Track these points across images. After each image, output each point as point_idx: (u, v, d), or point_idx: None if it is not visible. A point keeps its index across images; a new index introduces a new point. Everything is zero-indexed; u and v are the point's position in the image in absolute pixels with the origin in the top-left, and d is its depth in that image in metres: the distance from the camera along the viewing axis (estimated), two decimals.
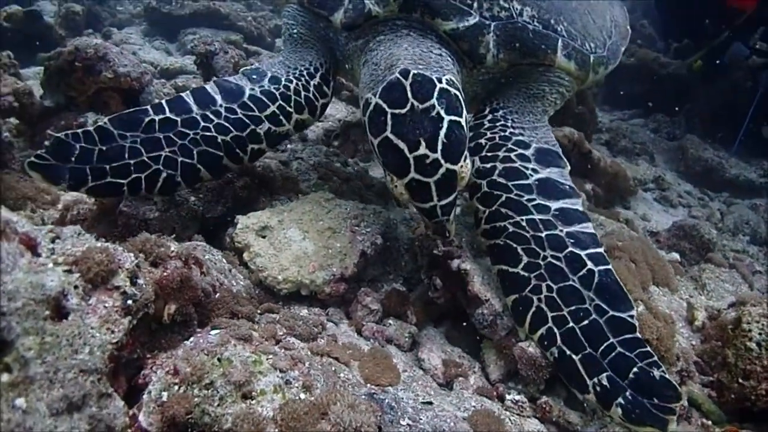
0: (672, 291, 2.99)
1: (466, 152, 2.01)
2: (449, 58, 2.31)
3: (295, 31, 2.74)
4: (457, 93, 2.08)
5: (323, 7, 2.52)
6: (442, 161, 1.93)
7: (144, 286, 1.46)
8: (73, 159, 2.10)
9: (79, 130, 2.18)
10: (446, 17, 2.33)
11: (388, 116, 1.99)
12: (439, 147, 1.93)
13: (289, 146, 3.61)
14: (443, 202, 1.96)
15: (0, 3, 5.23)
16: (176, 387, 1.38)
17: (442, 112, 1.97)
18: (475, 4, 2.38)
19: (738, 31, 5.69)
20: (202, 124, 2.31)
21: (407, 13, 2.34)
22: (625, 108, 7.16)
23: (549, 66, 2.53)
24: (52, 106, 3.38)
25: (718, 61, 5.92)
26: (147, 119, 2.27)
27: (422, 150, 1.92)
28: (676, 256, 3.61)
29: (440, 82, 2.04)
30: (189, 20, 6.85)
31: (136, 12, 7.45)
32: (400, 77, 2.03)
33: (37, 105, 3.28)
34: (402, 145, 1.94)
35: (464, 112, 2.08)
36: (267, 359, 1.51)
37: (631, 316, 1.94)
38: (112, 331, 1.35)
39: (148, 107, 2.33)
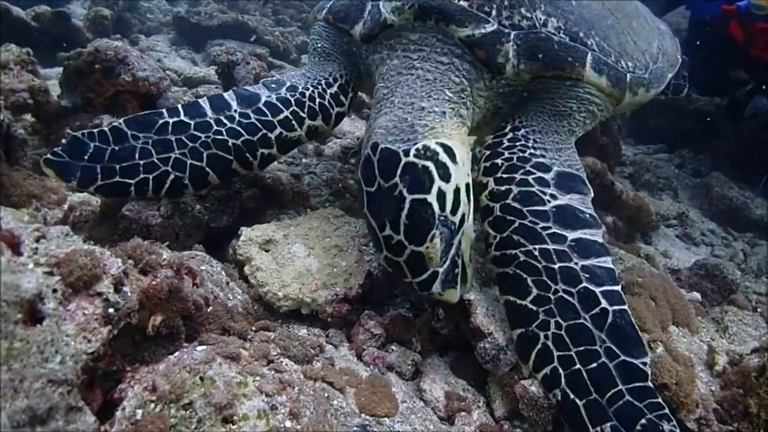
0: (692, 332, 2.83)
1: (434, 231, 1.88)
2: (453, 79, 2.26)
3: (319, 45, 2.74)
4: (426, 165, 1.94)
5: (345, 21, 2.51)
6: (406, 243, 1.87)
7: (129, 294, 1.37)
8: (86, 157, 2.15)
9: (95, 130, 2.21)
10: (461, 24, 2.25)
11: (364, 193, 1.99)
12: (402, 229, 1.87)
13: (303, 160, 3.55)
14: (417, 280, 1.91)
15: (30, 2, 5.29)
16: (153, 405, 1.28)
17: (405, 192, 1.89)
18: (494, 12, 2.28)
19: (763, 82, 5.55)
20: (215, 127, 2.29)
21: (422, 22, 2.28)
22: (650, 142, 7.02)
23: (577, 80, 2.38)
24: (69, 106, 3.36)
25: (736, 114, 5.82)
26: (161, 121, 2.28)
27: (387, 231, 1.89)
28: (697, 296, 3.45)
29: (407, 155, 1.94)
30: (217, 32, 6.90)
31: (165, 20, 7.53)
32: (370, 153, 2.02)
33: (54, 104, 3.26)
34: (374, 223, 1.94)
35: (435, 184, 1.92)
36: (253, 381, 1.40)
37: (644, 363, 1.79)
38: (89, 341, 1.26)
39: (164, 110, 2.34)
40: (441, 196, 1.93)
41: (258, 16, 8.70)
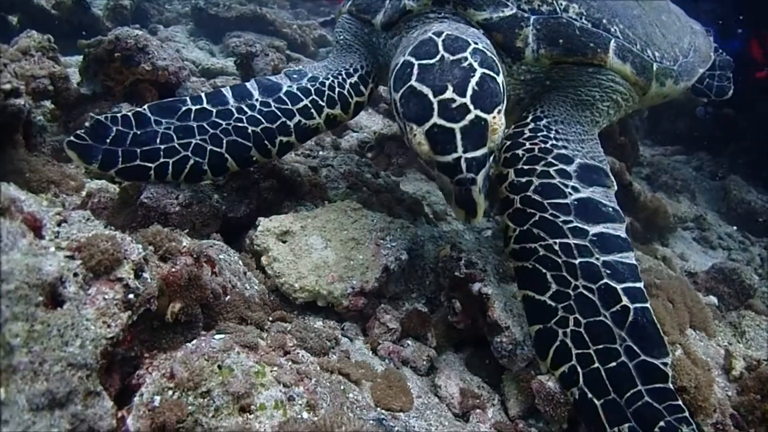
0: (709, 336, 2.80)
1: (501, 107, 1.86)
2: (488, 41, 2.20)
3: (341, 37, 2.75)
4: (494, 58, 1.96)
5: (367, 12, 2.53)
6: (471, 107, 1.79)
7: (149, 280, 1.37)
8: (108, 141, 2.17)
9: (118, 114, 2.24)
10: (479, 7, 2.24)
11: (415, 67, 1.90)
12: (469, 92, 1.80)
13: (321, 153, 3.54)
14: (469, 155, 1.77)
15: None
16: (170, 392, 1.28)
17: (476, 64, 1.87)
18: None
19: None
20: (236, 115, 2.31)
21: (440, 6, 2.28)
22: (668, 144, 6.94)
23: (599, 67, 2.33)
24: (88, 93, 3.37)
25: None
26: (184, 108, 2.32)
27: (448, 94, 1.79)
28: (713, 299, 3.41)
29: (476, 44, 1.95)
30: (235, 23, 6.89)
31: (183, 11, 7.54)
32: (433, 35, 1.97)
33: (73, 91, 3.27)
34: (426, 90, 1.83)
35: (501, 75, 1.94)
36: (271, 371, 1.39)
37: (665, 364, 1.75)
38: (109, 326, 1.26)
39: (187, 97, 2.38)
40: (503, 88, 1.93)
41: (276, 9, 8.71)
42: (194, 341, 1.45)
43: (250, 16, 6.87)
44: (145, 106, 2.33)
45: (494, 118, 1.81)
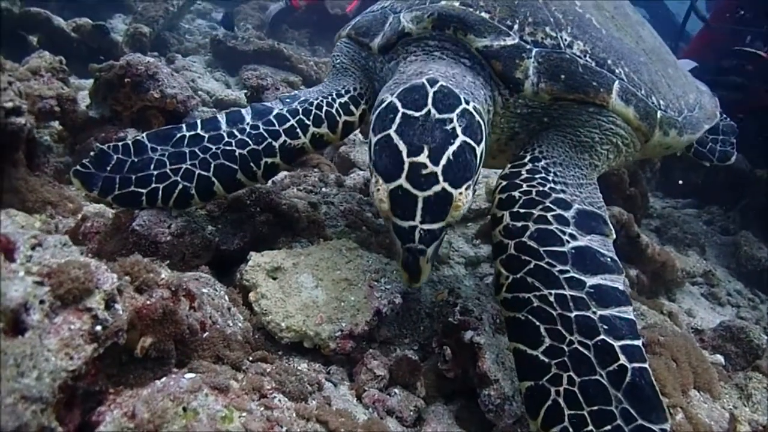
0: (714, 398, 2.66)
1: (471, 183, 1.82)
2: (482, 90, 2.16)
3: (338, 61, 2.73)
4: (481, 123, 1.92)
5: (366, 35, 2.50)
6: (441, 178, 1.73)
7: (119, 312, 1.31)
8: (108, 168, 2.25)
9: (120, 143, 2.31)
10: (480, 34, 2.17)
11: (399, 115, 1.84)
12: (443, 162, 1.74)
13: (323, 189, 3.51)
14: (426, 227, 1.73)
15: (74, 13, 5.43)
16: None
17: (459, 130, 1.81)
18: (516, 27, 2.21)
19: None
20: (226, 139, 2.33)
21: (440, 31, 2.22)
22: (679, 197, 6.87)
23: (601, 107, 2.24)
24: (96, 117, 3.39)
25: None
26: (179, 135, 2.36)
27: (422, 158, 1.73)
28: (720, 358, 3.28)
29: (467, 103, 1.90)
30: (252, 57, 6.99)
31: (203, 42, 7.67)
32: (426, 83, 1.91)
33: (81, 114, 3.29)
34: (402, 146, 1.76)
35: (483, 144, 1.90)
36: (239, 417, 1.31)
37: (663, 431, 1.63)
38: (71, 358, 1.19)
39: (183, 125, 2.42)
40: (481, 158, 1.86)
41: (295, 45, 8.86)
42: (163, 379, 1.38)
43: (268, 50, 6.97)
44: (143, 134, 2.38)
45: (461, 194, 1.78)
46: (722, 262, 5.41)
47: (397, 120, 1.82)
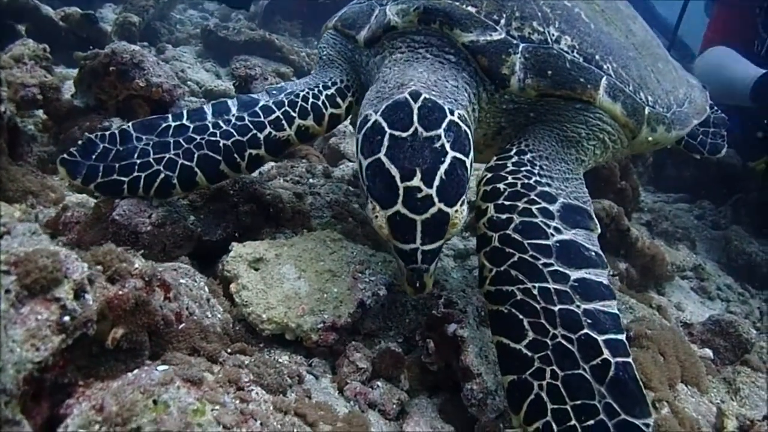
0: (702, 392, 2.66)
1: (464, 197, 1.81)
2: (465, 92, 2.13)
3: (324, 53, 2.69)
4: (467, 131, 1.91)
5: (353, 27, 2.46)
6: (436, 199, 1.73)
7: (89, 302, 1.28)
8: (93, 157, 2.26)
9: (107, 132, 2.31)
10: (466, 28, 2.14)
11: (386, 136, 1.81)
12: (436, 183, 1.73)
13: (310, 180, 3.47)
14: (426, 248, 1.74)
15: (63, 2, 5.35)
16: (97, 426, 1.18)
17: (447, 146, 1.79)
18: (502, 21, 2.18)
19: None
20: (211, 129, 2.30)
21: (426, 25, 2.18)
22: (671, 191, 6.87)
23: (588, 104, 2.22)
24: (81, 106, 3.33)
25: None
26: (164, 124, 2.35)
27: (416, 182, 1.72)
28: (708, 352, 3.27)
29: (452, 114, 1.88)
30: (243, 47, 6.93)
31: (194, 32, 7.59)
32: (409, 98, 1.88)
33: (65, 102, 3.23)
34: (394, 171, 1.75)
35: (471, 153, 1.90)
36: (212, 410, 1.28)
37: (647, 425, 1.61)
38: (38, 349, 1.16)
39: (169, 115, 2.40)
40: (470, 168, 1.86)
41: (287, 36, 8.79)
42: (135, 371, 1.34)
43: (259, 41, 6.90)
44: (129, 124, 2.37)
45: (456, 211, 1.78)
46: (712, 257, 5.41)
47: (386, 142, 1.80)
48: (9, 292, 1.17)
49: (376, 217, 1.78)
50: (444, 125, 1.83)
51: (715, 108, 4.12)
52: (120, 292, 1.37)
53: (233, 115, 2.35)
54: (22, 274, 1.20)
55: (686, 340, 2.96)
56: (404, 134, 1.80)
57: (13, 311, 1.17)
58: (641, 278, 4.14)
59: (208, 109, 2.38)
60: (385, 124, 1.83)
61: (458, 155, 1.81)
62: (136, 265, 1.48)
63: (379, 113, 1.88)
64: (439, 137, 1.80)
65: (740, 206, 6.04)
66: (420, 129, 1.80)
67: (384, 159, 1.78)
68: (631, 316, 3.36)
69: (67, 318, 1.22)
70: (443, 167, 1.76)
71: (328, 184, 3.33)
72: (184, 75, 5.85)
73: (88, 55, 3.27)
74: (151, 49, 6.51)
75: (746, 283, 5.01)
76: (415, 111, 1.84)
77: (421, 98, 1.87)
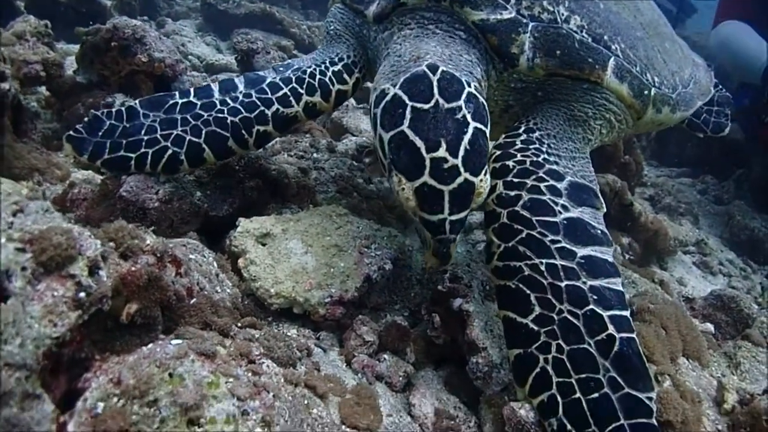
0: (703, 366, 2.69)
1: (486, 167, 1.83)
2: (478, 66, 2.13)
3: (332, 27, 2.67)
4: (484, 103, 1.92)
5: (361, 2, 2.45)
6: (462, 169, 1.73)
7: (103, 278, 1.30)
8: (100, 134, 2.27)
9: (114, 109, 2.34)
10: (476, 6, 2.13)
11: (408, 109, 1.81)
12: (461, 153, 1.74)
13: (314, 155, 3.47)
14: (454, 217, 1.75)
15: None
16: (116, 399, 1.21)
17: (469, 117, 1.81)
18: (513, 0, 2.18)
19: None
20: (218, 107, 2.32)
21: (436, 2, 2.17)
22: (674, 165, 6.86)
23: (595, 84, 2.24)
24: (83, 82, 3.32)
25: None
26: (171, 101, 2.37)
27: (441, 152, 1.73)
28: (710, 327, 3.31)
29: (469, 85, 1.88)
30: (243, 20, 6.86)
31: (193, 6, 7.51)
32: (428, 71, 1.88)
33: (68, 79, 3.23)
34: (419, 142, 1.75)
35: (489, 124, 1.91)
36: (226, 383, 1.31)
37: (650, 399, 1.65)
38: (55, 325, 1.18)
39: (176, 92, 2.42)
40: (488, 138, 1.89)
41: (288, 9, 8.68)
42: (150, 345, 1.37)
43: (259, 14, 6.83)
44: (136, 101, 2.38)
45: (481, 180, 1.79)
46: (715, 232, 5.43)
47: (408, 115, 1.80)
48: (25, 269, 1.19)
49: (403, 189, 1.77)
50: (464, 96, 1.84)
51: (720, 86, 4.11)
52: (133, 268, 1.39)
53: (240, 92, 2.35)
54: (38, 252, 1.21)
55: (688, 314, 2.99)
56: (426, 106, 1.80)
57: (30, 288, 1.19)
58: (644, 252, 4.17)
59: (214, 87, 2.38)
60: (405, 97, 1.83)
61: (479, 125, 1.82)
62: (148, 242, 1.49)
63: (398, 86, 1.87)
64: (460, 108, 1.81)
65: (743, 181, 6.04)
66: (441, 101, 1.80)
67: (408, 131, 1.78)
68: (633, 291, 3.39)
69: (82, 294, 1.24)
70: (467, 137, 1.77)
71: (332, 159, 3.33)
72: (184, 49, 5.80)
73: (90, 31, 3.25)
74: (151, 24, 6.45)
75: (748, 259, 5.02)
76: (435, 83, 1.84)
77: (440, 71, 1.87)
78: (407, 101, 1.82)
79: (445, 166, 1.72)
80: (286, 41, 6.61)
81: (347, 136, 4.30)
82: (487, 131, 1.88)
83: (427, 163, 1.72)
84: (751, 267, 4.91)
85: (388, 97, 1.88)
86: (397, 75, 1.94)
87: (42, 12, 4.82)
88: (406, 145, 1.77)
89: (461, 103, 1.81)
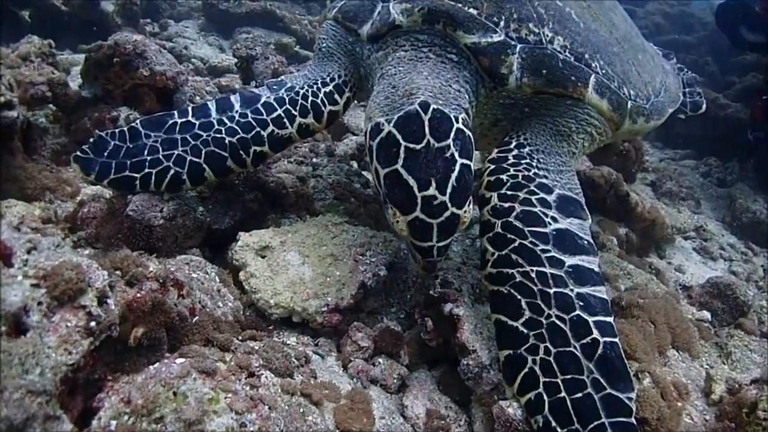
0: (693, 357, 2.78)
1: (470, 198, 1.99)
2: (466, 94, 2.25)
3: (324, 45, 2.75)
4: (470, 135, 2.06)
5: (354, 21, 2.53)
6: (449, 205, 1.91)
7: (111, 307, 1.43)
8: (105, 154, 2.38)
9: (117, 130, 2.45)
10: (468, 30, 2.25)
11: (402, 149, 1.95)
12: (449, 190, 1.91)
13: (314, 160, 3.58)
14: (441, 244, 1.95)
15: None
16: (126, 417, 1.34)
17: (456, 155, 1.95)
18: (502, 23, 2.29)
19: None
20: (216, 126, 2.43)
21: (430, 25, 2.28)
22: (678, 147, 6.88)
23: (577, 100, 2.37)
24: (89, 96, 3.44)
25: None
26: (171, 122, 2.47)
27: (431, 191, 1.89)
28: (706, 314, 3.40)
29: (457, 121, 2.01)
30: (245, 19, 6.96)
31: (195, 6, 7.60)
32: (420, 110, 2.00)
33: (73, 94, 3.34)
34: (412, 181, 1.91)
35: (473, 155, 2.05)
36: (225, 398, 1.45)
37: (630, 399, 1.79)
38: (70, 353, 1.32)
39: (175, 111, 2.52)
40: (473, 172, 2.05)
41: (289, 4, 8.73)
42: (156, 365, 1.51)
43: (260, 12, 6.92)
44: (137, 121, 2.50)
45: (465, 212, 1.97)
46: (717, 216, 5.45)
47: (402, 154, 1.95)
48: (41, 303, 1.33)
49: (397, 221, 1.96)
50: (452, 135, 1.98)
51: (686, 70, 4.31)
52: (138, 295, 1.53)
53: (237, 112, 2.45)
54: (51, 287, 1.35)
55: (678, 307, 3.05)
56: (418, 146, 1.94)
57: (46, 321, 1.33)
58: (641, 242, 4.24)
59: (212, 106, 2.49)
60: (399, 137, 1.97)
61: (465, 161, 1.98)
62: (151, 269, 1.63)
63: (392, 124, 2.00)
64: (449, 147, 1.95)
65: (747, 162, 6.03)
66: (432, 141, 1.94)
67: (401, 170, 1.93)
68: (629, 283, 3.47)
69: (93, 323, 1.38)
70: (454, 175, 1.93)
71: (330, 165, 3.44)
72: (187, 52, 5.91)
73: (92, 48, 3.37)
74: (154, 26, 6.56)
75: (750, 242, 5.05)
76: (426, 123, 1.97)
77: (431, 110, 2.00)
78: (401, 141, 1.96)
79: (435, 202, 1.89)
80: (287, 38, 6.71)
81: (348, 135, 4.41)
82: (472, 164, 2.03)
83: (419, 200, 1.90)
84: (752, 250, 4.94)
85: (383, 134, 2.01)
86: (393, 111, 2.06)
87: (46, 22, 4.97)
88: (400, 183, 1.93)
89: (449, 141, 1.96)
